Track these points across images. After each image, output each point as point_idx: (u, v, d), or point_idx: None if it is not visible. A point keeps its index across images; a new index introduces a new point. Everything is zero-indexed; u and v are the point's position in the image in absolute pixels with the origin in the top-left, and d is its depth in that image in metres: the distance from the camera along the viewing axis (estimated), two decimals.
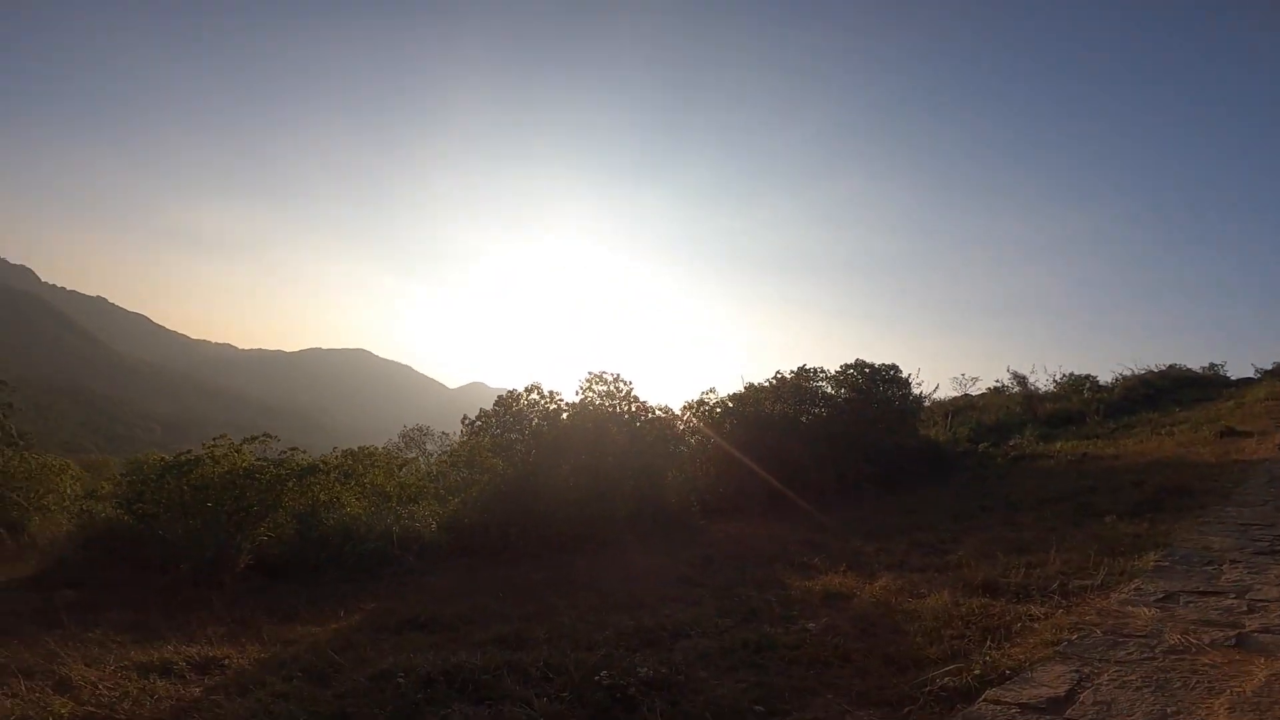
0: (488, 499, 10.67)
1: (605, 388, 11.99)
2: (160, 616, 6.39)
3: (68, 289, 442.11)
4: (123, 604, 6.82)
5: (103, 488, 11.61)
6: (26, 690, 4.13)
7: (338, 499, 9.79)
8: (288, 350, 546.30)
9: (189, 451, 8.97)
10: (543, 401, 12.16)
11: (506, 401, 12.42)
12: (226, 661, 5.00)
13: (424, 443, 23.10)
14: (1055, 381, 24.89)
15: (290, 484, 8.97)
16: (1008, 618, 4.65)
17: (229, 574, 8.04)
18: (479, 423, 12.28)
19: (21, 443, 14.43)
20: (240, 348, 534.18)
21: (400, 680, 3.92)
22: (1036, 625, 4.45)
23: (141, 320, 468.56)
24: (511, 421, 12.11)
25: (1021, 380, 24.04)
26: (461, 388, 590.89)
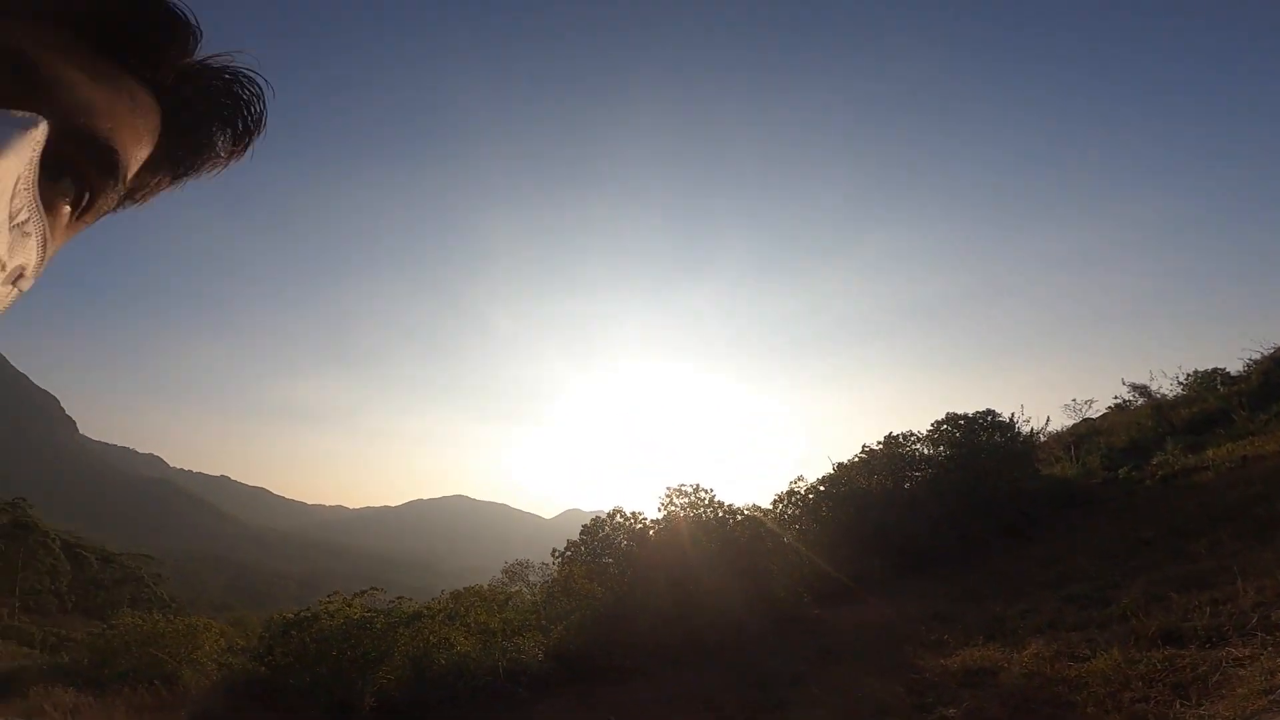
0: (588, 623, 10.84)
1: (687, 499, 12.25)
2: None
3: (194, 471, 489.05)
4: None
5: (238, 643, 12.41)
6: None
7: (446, 640, 10.10)
8: (393, 505, 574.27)
9: (307, 609, 9.76)
10: (627, 523, 12.51)
11: (593, 529, 12.86)
12: None
13: (526, 575, 23.31)
14: (1181, 383, 21.46)
15: (400, 630, 9.40)
16: (1202, 668, 3.96)
17: (356, 716, 8.42)
18: (569, 552, 12.79)
19: (173, 605, 15.53)
20: (350, 507, 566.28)
21: None
22: (1241, 672, 3.74)
23: (262, 492, 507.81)
24: (600, 547, 12.82)
25: (1144, 390, 21.34)
26: (557, 517, 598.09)
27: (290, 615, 9.61)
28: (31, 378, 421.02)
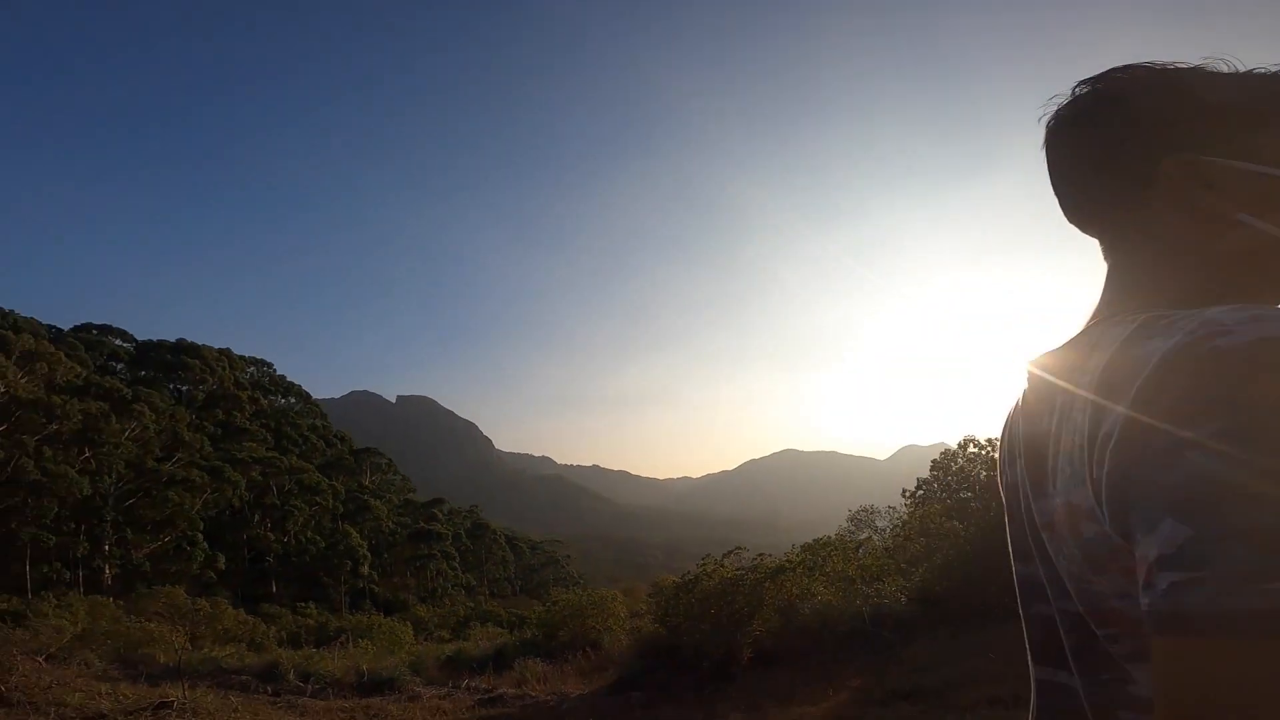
0: (951, 565, 10.43)
1: None
2: (697, 708, 7.47)
3: (574, 464, 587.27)
4: (669, 700, 8.20)
5: (639, 608, 14.13)
6: None
7: (808, 590, 10.44)
8: (729, 469, 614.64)
9: (688, 574, 10.90)
10: (983, 452, 11.64)
11: (943, 463, 11.67)
12: None
13: (873, 521, 22.42)
14: None
15: (767, 585, 10.00)
16: None
17: (737, 666, 9.16)
18: (921, 491, 11.72)
19: (581, 580, 18.92)
20: (694, 477, 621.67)
21: None
22: None
23: (624, 475, 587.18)
24: (955, 481, 11.44)
25: None
26: (892, 456, 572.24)
27: (676, 580, 10.87)
28: (456, 411, 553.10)
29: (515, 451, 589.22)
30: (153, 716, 6.36)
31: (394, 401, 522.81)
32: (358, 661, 13.14)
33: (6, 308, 70.30)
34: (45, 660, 8.09)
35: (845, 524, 22.29)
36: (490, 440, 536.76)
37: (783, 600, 10.08)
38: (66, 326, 73.96)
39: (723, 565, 10.65)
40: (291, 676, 11.68)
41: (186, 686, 8.08)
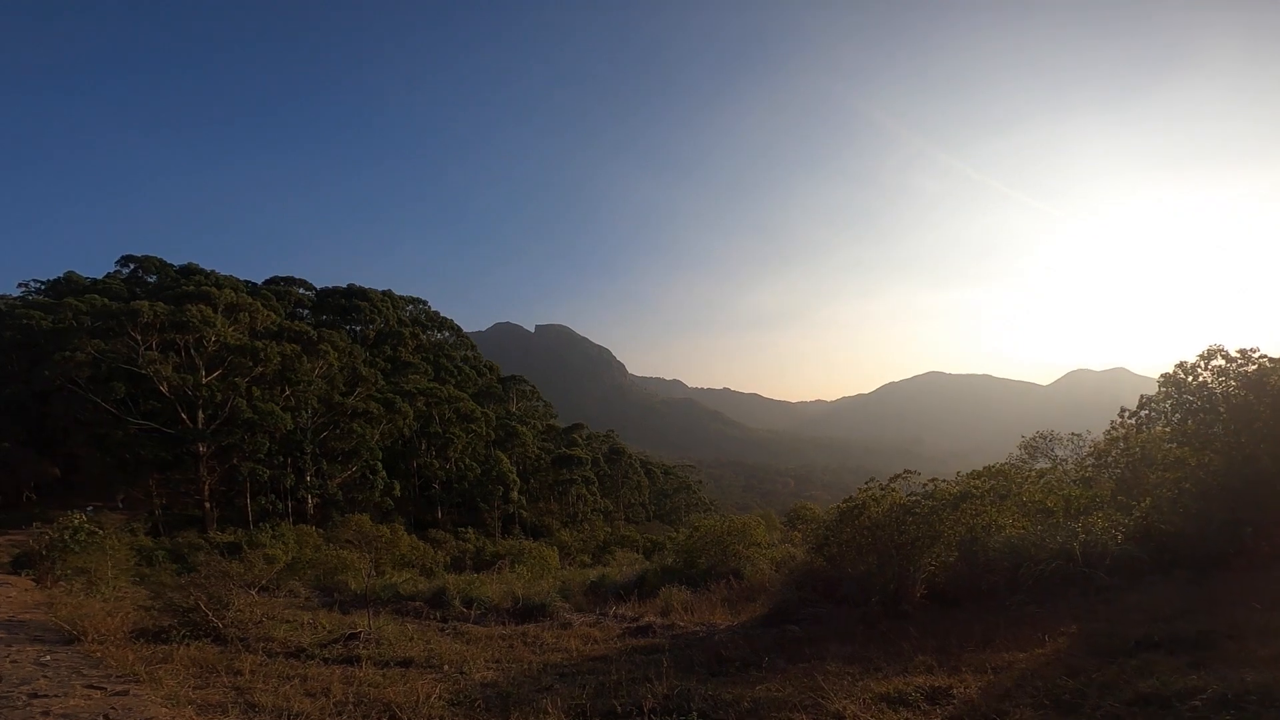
0: (1185, 499, 8.67)
1: None
2: (870, 647, 6.75)
3: (704, 388, 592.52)
4: (834, 636, 7.45)
5: (794, 537, 13.48)
6: None
7: (994, 522, 9.09)
8: (867, 392, 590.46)
9: (851, 499, 9.75)
10: (1233, 365, 9.09)
11: (1174, 380, 9.56)
12: (953, 691, 4.95)
13: (1051, 449, 20.12)
14: None
15: (946, 513, 8.73)
16: None
17: (909, 604, 8.19)
18: (1145, 411, 9.83)
19: (711, 506, 18.89)
20: (829, 400, 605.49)
21: (1177, 704, 3.51)
22: None
23: (755, 398, 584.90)
24: (1194, 402, 9.37)
25: None
26: (1057, 381, 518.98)
27: (842, 505, 9.76)
28: (591, 339, 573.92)
29: (647, 376, 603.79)
30: (344, 647, 7.30)
31: (533, 331, 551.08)
32: (513, 587, 14.29)
33: (208, 268, 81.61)
34: (258, 592, 9.55)
35: (1017, 451, 20.16)
36: (623, 365, 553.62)
37: (963, 532, 8.88)
38: (259, 280, 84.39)
39: (892, 489, 9.57)
40: (456, 602, 12.99)
41: (371, 615, 9.21)
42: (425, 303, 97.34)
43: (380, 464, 52.92)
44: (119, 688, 5.11)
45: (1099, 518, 9.00)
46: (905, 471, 10.28)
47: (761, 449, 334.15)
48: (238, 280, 78.64)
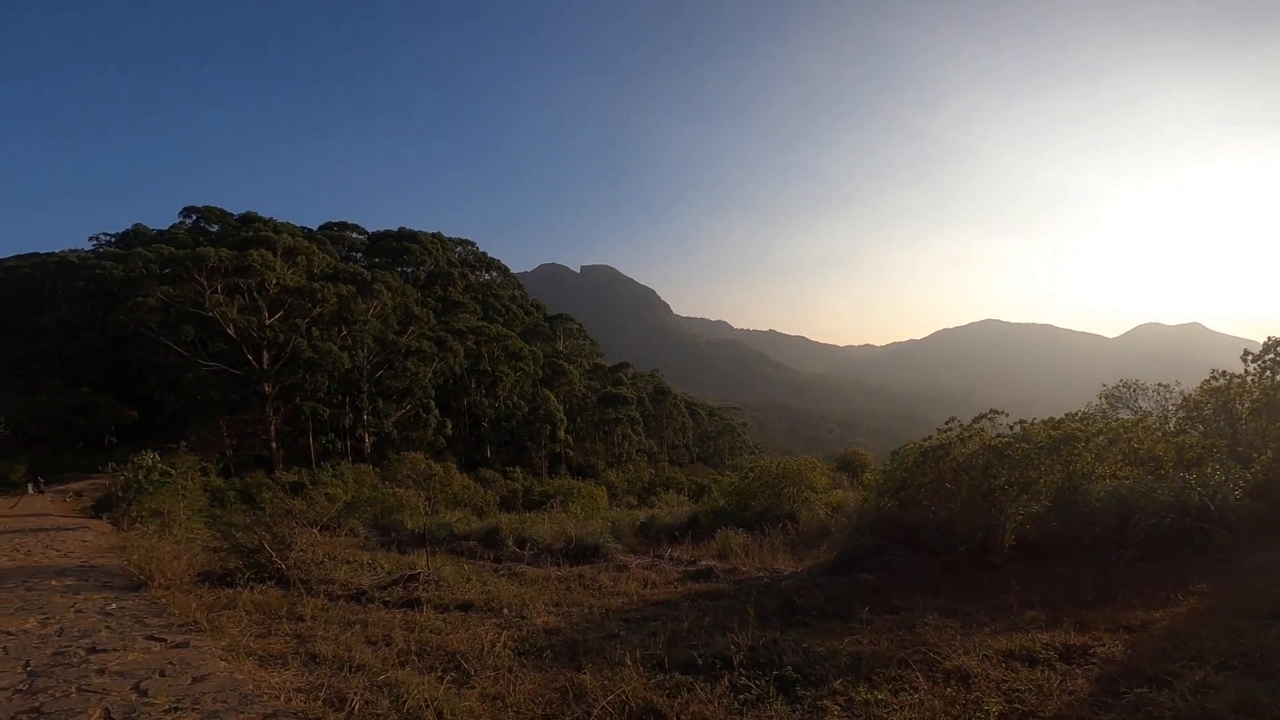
0: None
1: None
2: (965, 600, 6.23)
3: (751, 329, 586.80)
4: (917, 587, 6.93)
5: (867, 479, 12.92)
6: (950, 688, 4.14)
7: (1092, 470, 8.25)
8: (918, 338, 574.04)
9: (930, 438, 9.03)
10: None
11: None
12: (1092, 650, 4.54)
13: (1135, 400, 18.89)
14: None
15: (1042, 458, 7.93)
16: None
17: (998, 555, 7.58)
18: (1270, 355, 8.81)
19: (756, 449, 18.38)
20: (878, 345, 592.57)
21: None
22: None
23: (801, 341, 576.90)
24: None
25: None
26: (1127, 333, 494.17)
27: (923, 444, 9.05)
28: (635, 279, 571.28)
29: (692, 316, 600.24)
30: (404, 589, 7.27)
31: (578, 272, 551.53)
32: (565, 527, 14.25)
33: (266, 215, 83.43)
34: (320, 531, 9.69)
35: (1097, 401, 19.09)
36: (668, 305, 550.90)
37: (1060, 480, 8.13)
38: (314, 226, 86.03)
39: (979, 430, 8.80)
40: (510, 542, 13.02)
41: (429, 555, 9.23)
42: (473, 244, 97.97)
43: (433, 402, 54.30)
44: (179, 638, 5.01)
45: (1215, 469, 8.14)
46: (991, 411, 9.48)
47: (807, 393, 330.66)
48: (294, 226, 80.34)
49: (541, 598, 7.04)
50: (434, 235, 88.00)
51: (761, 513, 15.01)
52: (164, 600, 6.52)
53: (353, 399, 50.86)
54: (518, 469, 52.53)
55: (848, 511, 10.55)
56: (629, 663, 4.38)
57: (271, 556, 7.49)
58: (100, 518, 16.82)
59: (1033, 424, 8.74)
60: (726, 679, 4.29)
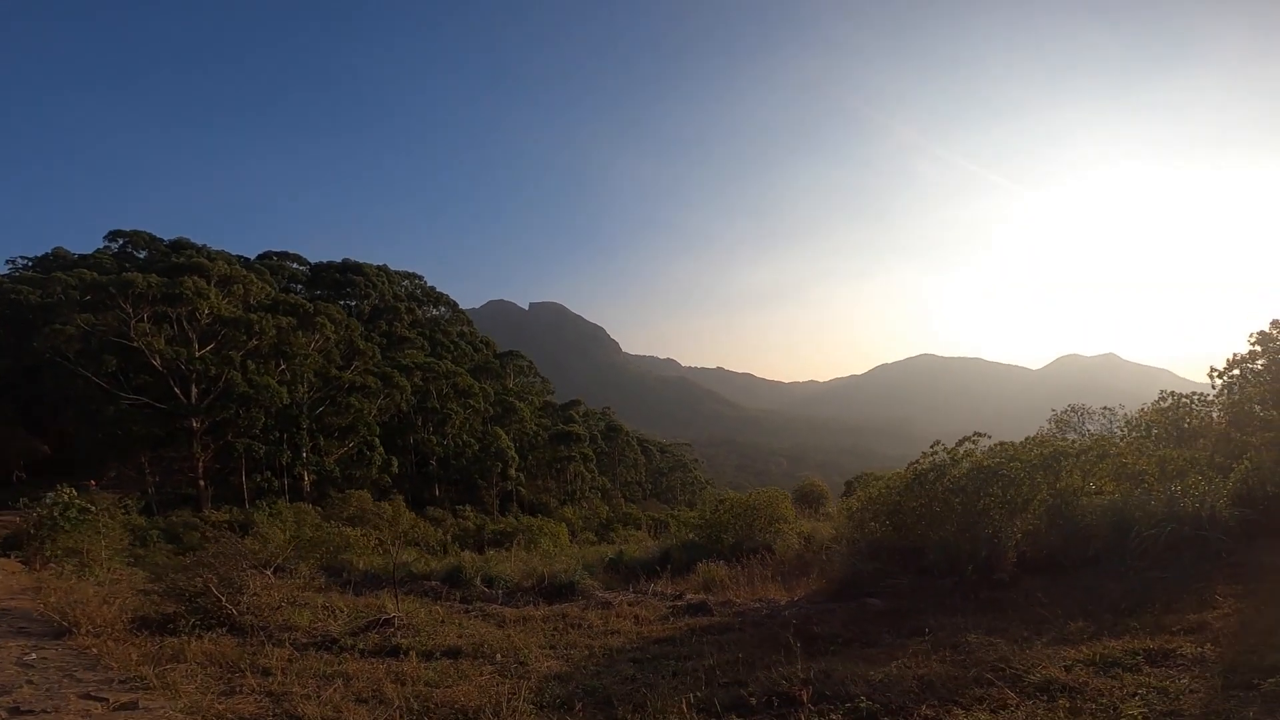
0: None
1: None
2: (995, 618, 5.95)
3: (698, 367, 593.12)
4: (931, 609, 6.57)
5: (847, 505, 12.73)
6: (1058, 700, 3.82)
7: (1081, 487, 8.32)
8: (859, 373, 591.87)
9: (918, 464, 9.00)
10: None
11: (1270, 337, 8.88)
12: (1178, 651, 4.43)
13: (1082, 424, 19.68)
14: None
15: (1038, 475, 7.93)
16: None
17: (1003, 573, 7.41)
18: (1238, 371, 9.13)
19: (708, 485, 18.12)
20: (821, 381, 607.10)
21: None
22: None
23: (748, 378, 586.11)
24: None
25: None
26: (1048, 366, 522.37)
27: (915, 467, 9.00)
28: (584, 316, 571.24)
29: (640, 354, 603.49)
30: (378, 635, 6.42)
31: (527, 309, 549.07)
32: (533, 565, 13.46)
33: (199, 242, 79.67)
34: (273, 573, 8.58)
35: (1047, 425, 19.67)
36: (617, 343, 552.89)
37: (1051, 496, 8.16)
38: (252, 255, 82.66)
39: (969, 451, 8.87)
40: (477, 581, 12.12)
41: (395, 597, 8.33)
42: (421, 278, 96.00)
43: (378, 440, 51.99)
44: (124, 697, 4.14)
45: (1198, 480, 8.32)
46: (975, 434, 9.51)
47: (755, 428, 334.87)
48: (230, 255, 76.92)
49: (532, 640, 6.37)
50: (379, 268, 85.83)
51: (735, 544, 14.67)
52: (95, 650, 5.59)
53: (291, 436, 48.12)
54: (468, 507, 50.63)
55: (838, 538, 10.27)
56: (676, 710, 3.85)
57: (220, 600, 6.53)
58: (8, 556, 15.00)
59: (1020, 444, 8.83)
60: (795, 716, 3.83)
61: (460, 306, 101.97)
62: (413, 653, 5.65)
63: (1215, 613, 5.04)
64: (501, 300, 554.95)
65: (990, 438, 9.57)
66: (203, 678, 4.85)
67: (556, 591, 10.81)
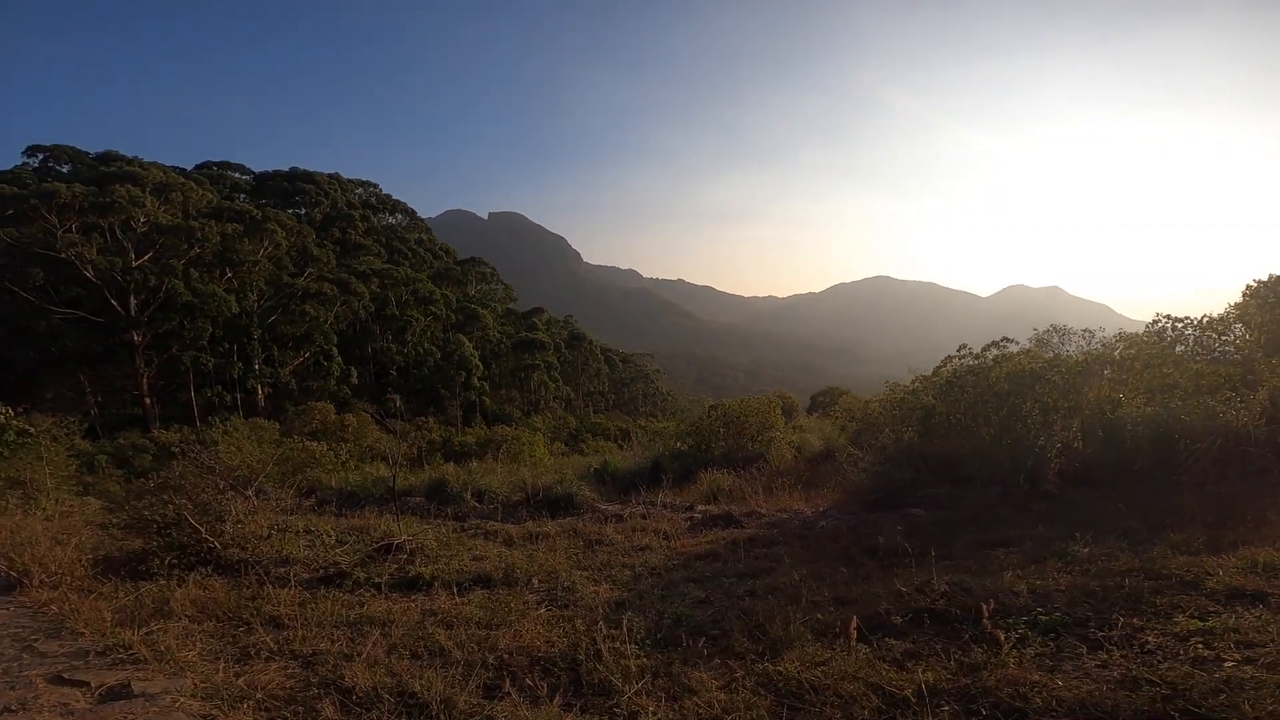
0: None
1: None
2: (1062, 527, 5.46)
3: (660, 278, 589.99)
4: (985, 521, 6.20)
5: (874, 408, 12.38)
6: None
7: (1118, 398, 7.96)
8: (817, 291, 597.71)
9: (948, 359, 8.77)
10: None
11: None
12: None
13: (1061, 346, 19.82)
14: None
15: (1080, 383, 7.66)
16: None
17: (1050, 484, 7.07)
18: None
19: (669, 397, 17.71)
20: (780, 297, 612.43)
21: None
22: None
23: (709, 290, 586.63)
24: None
25: None
26: (996, 294, 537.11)
27: (954, 368, 8.64)
28: (546, 227, 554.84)
29: (602, 264, 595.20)
30: (393, 564, 5.61)
31: (486, 219, 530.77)
32: (522, 477, 12.77)
33: (129, 155, 72.18)
34: (255, 496, 7.47)
35: (1025, 344, 19.80)
36: (578, 254, 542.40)
37: (1097, 406, 7.82)
38: (189, 167, 75.95)
39: (1010, 355, 8.58)
40: (467, 496, 11.40)
41: (397, 519, 7.52)
42: (376, 186, 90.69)
43: (335, 349, 50.00)
44: (109, 677, 3.11)
45: (1229, 395, 8.03)
46: (1003, 339, 9.08)
47: (714, 341, 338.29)
48: (165, 166, 70.45)
49: (559, 562, 5.74)
50: (331, 176, 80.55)
51: (725, 454, 14.31)
52: (55, 607, 4.54)
53: (242, 347, 45.75)
54: (429, 419, 49.72)
55: (870, 445, 9.83)
56: (800, 636, 3.28)
57: (199, 532, 5.61)
58: None
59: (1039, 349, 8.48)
60: (962, 634, 3.33)
61: (417, 215, 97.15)
62: (437, 584, 4.95)
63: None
64: (460, 210, 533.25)
65: (1018, 343, 9.16)
66: (203, 638, 3.89)
67: (553, 505, 10.23)
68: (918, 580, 4.07)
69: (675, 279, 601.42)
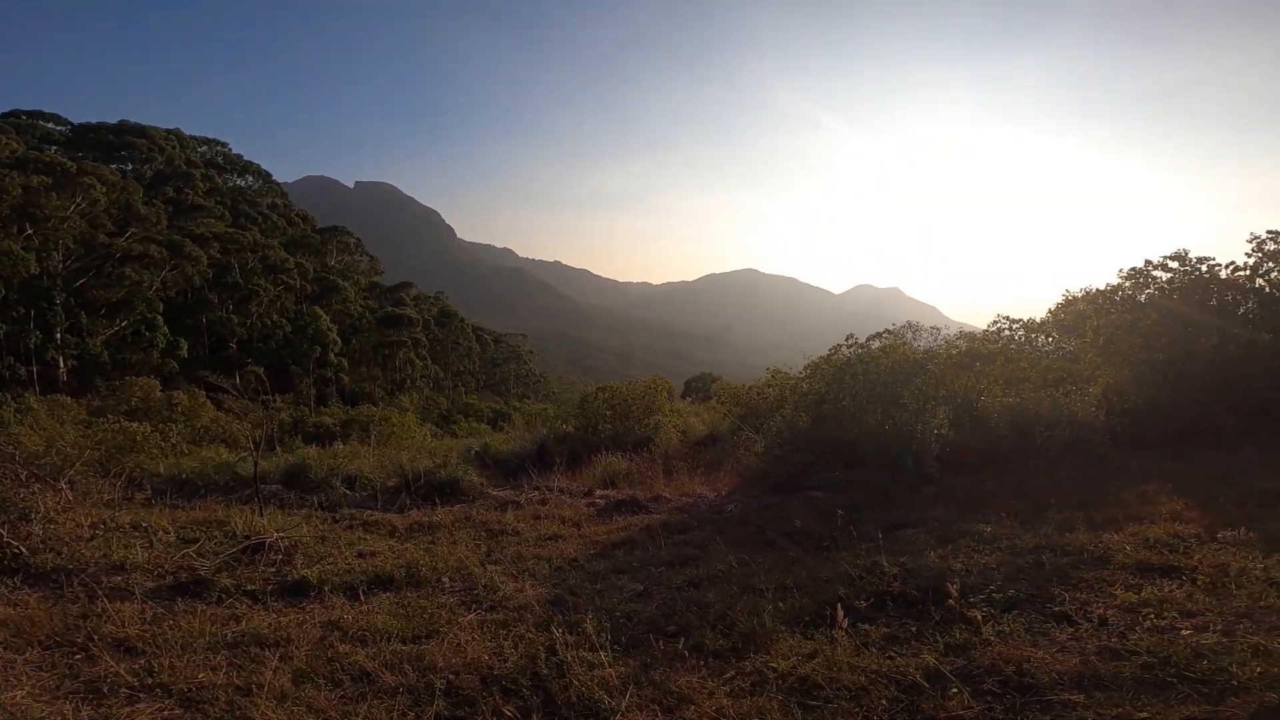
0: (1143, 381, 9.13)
1: None
2: (969, 510, 5.79)
3: (536, 259, 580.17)
4: (883, 503, 6.45)
5: (769, 393, 12.72)
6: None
7: (982, 389, 8.68)
8: (689, 280, 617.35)
9: (837, 347, 9.04)
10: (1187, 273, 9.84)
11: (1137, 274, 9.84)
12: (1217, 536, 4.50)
13: (915, 340, 22.09)
14: None
15: (957, 374, 8.32)
16: None
17: (930, 468, 7.53)
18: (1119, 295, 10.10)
19: (542, 379, 17.49)
20: (654, 283, 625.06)
21: None
22: None
23: (585, 274, 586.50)
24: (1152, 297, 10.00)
25: None
26: (847, 292, 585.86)
27: (843, 357, 9.02)
28: (418, 199, 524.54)
29: (477, 241, 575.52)
30: (268, 569, 4.67)
31: (352, 187, 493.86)
32: (398, 461, 11.77)
33: None
34: (69, 487, 5.92)
35: (889, 338, 21.61)
36: (452, 229, 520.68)
37: (960, 396, 8.43)
38: None
39: (899, 345, 9.20)
40: (337, 483, 10.28)
41: (258, 511, 6.45)
42: (224, 144, 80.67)
43: (160, 318, 43.94)
44: None
45: (1069, 389, 9.06)
46: (893, 326, 9.73)
47: (587, 324, 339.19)
48: None
49: (464, 556, 5.18)
50: (169, 131, 70.53)
51: (613, 437, 14.17)
52: None
53: (41, 312, 38.89)
54: (276, 397, 45.28)
55: (762, 430, 9.99)
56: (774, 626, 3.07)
57: (1, 535, 4.37)
58: None
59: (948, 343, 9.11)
60: (931, 615, 3.30)
61: (273, 179, 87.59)
62: (327, 589, 4.22)
63: (1170, 504, 5.22)
64: (322, 176, 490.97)
65: (892, 334, 9.82)
66: (29, 672, 2.95)
67: (436, 491, 9.47)
68: (864, 563, 4.07)
69: (552, 260, 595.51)
